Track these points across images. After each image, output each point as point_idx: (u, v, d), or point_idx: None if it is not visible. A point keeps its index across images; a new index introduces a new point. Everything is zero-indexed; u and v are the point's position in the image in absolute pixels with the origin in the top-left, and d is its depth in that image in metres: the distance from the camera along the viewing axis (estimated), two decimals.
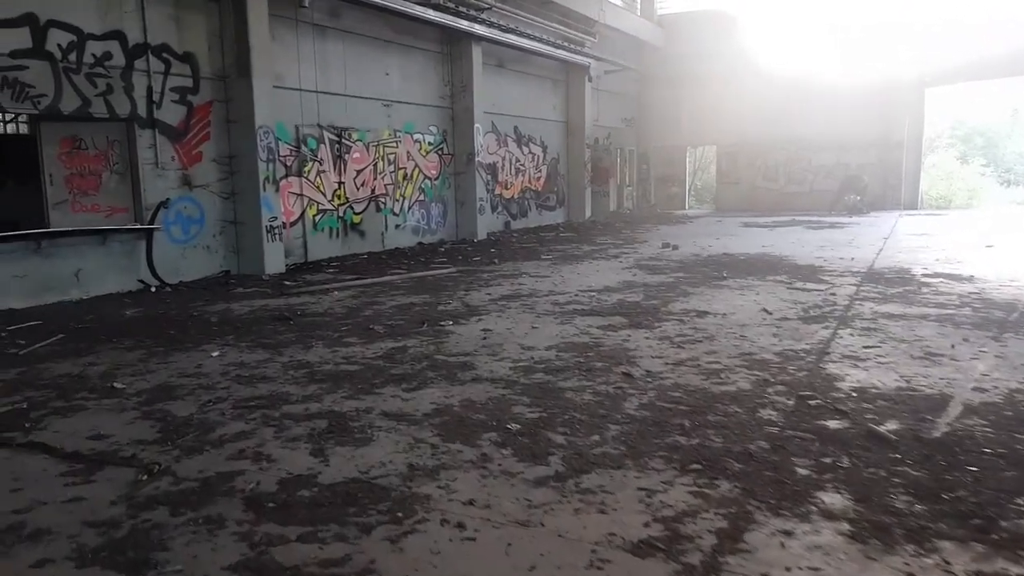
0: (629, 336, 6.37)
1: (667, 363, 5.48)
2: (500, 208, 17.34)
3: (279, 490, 3.42)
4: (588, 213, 20.18)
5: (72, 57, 8.98)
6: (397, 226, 14.19)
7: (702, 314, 7.24)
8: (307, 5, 11.17)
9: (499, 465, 3.65)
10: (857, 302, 7.76)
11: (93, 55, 9.20)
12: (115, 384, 5.31)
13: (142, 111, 9.76)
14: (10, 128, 13.32)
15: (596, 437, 3.99)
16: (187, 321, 7.60)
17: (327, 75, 12.49)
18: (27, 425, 4.47)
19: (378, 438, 4.09)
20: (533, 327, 6.88)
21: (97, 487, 3.54)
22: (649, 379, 5.07)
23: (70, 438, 4.24)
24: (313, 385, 5.18)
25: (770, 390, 4.77)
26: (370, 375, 5.39)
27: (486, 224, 15.96)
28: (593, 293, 8.64)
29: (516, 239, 15.86)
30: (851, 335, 6.27)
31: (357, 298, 8.75)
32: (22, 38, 8.49)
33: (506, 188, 17.46)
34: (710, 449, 3.77)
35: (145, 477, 3.63)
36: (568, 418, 4.30)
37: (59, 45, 8.83)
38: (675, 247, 13.04)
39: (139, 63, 9.70)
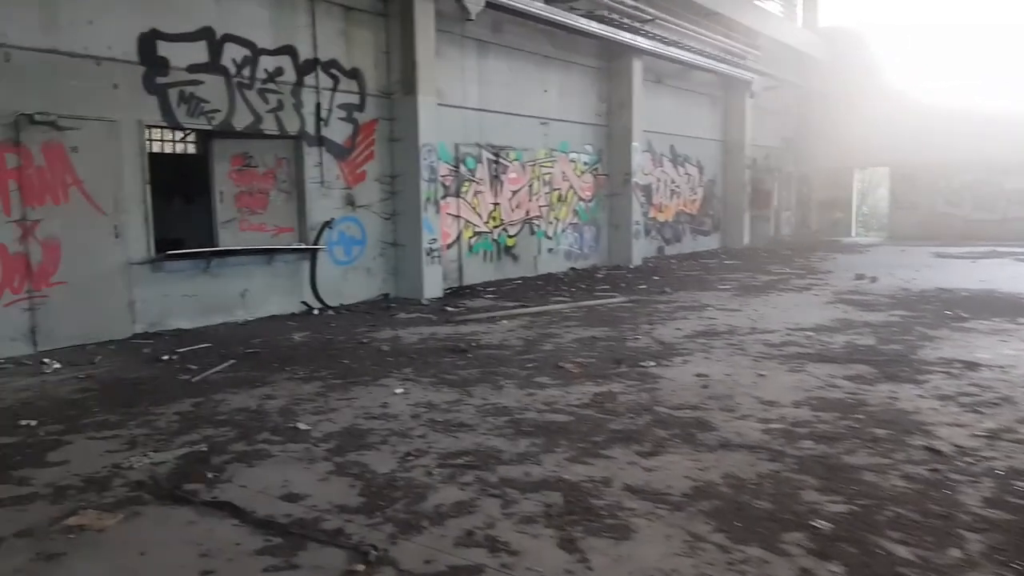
0: (895, 393, 5.15)
1: (975, 434, 4.25)
2: (653, 232, 16.25)
3: None
4: (746, 239, 18.69)
5: (246, 72, 8.78)
6: (550, 250, 13.40)
7: (971, 366, 5.88)
8: (474, 19, 10.64)
9: None
10: None
11: (266, 70, 8.99)
12: (298, 425, 4.68)
13: (310, 128, 9.47)
14: (179, 146, 13.61)
15: (956, 552, 2.87)
16: (358, 349, 7.03)
17: (487, 92, 11.94)
18: (210, 476, 3.85)
19: (639, 529, 3.15)
20: (759, 374, 5.78)
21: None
22: (968, 459, 3.87)
23: (260, 497, 3.57)
24: (522, 439, 4.33)
25: None
26: (586, 429, 4.48)
27: (640, 249, 14.90)
28: (808, 332, 7.41)
29: (675, 265, 14.70)
30: None
31: (529, 329, 7.94)
32: (199, 52, 8.34)
33: (660, 211, 16.36)
34: None
35: (362, 568, 2.85)
36: (893, 516, 3.20)
37: (233, 60, 8.65)
38: (872, 279, 11.49)
39: (308, 79, 9.43)
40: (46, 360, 6.61)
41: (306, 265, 9.50)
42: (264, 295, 9.06)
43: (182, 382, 5.88)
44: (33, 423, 4.78)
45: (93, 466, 4.00)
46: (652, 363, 6.19)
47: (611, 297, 10.09)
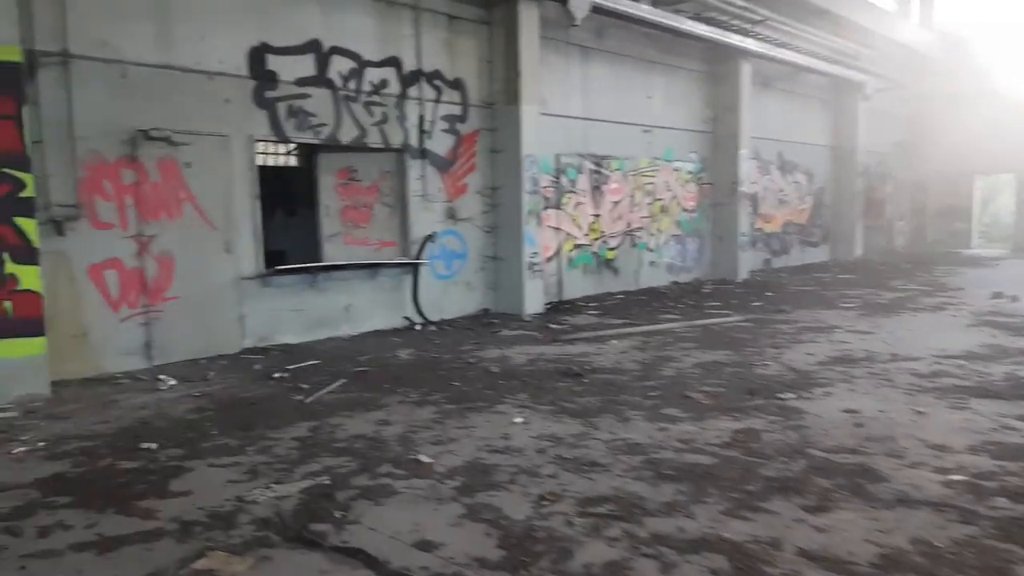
0: None
1: None
2: (759, 244, 15.47)
3: None
4: (858, 251, 17.61)
5: (351, 85, 8.71)
6: (652, 263, 12.88)
7: None
8: (579, 24, 10.29)
9: None
10: None
11: (371, 83, 8.90)
12: (420, 457, 4.42)
13: (413, 140, 9.34)
14: (279, 159, 13.81)
15: None
16: (466, 370, 6.77)
17: (589, 100, 11.57)
18: (337, 515, 3.62)
19: None
20: (917, 411, 5.17)
21: None
22: None
23: (392, 544, 3.30)
24: (665, 484, 3.93)
25: None
26: (735, 475, 4.04)
27: (747, 262, 14.17)
28: (959, 360, 6.69)
29: (786, 280, 13.90)
30: None
31: (643, 350, 7.51)
32: (306, 66, 8.31)
33: (767, 221, 15.57)
34: None
35: None
36: None
37: (340, 72, 8.59)
38: (1014, 298, 10.47)
39: (412, 90, 9.30)
40: (161, 376, 6.63)
41: (408, 279, 9.36)
42: (368, 310, 8.95)
43: (296, 403, 5.75)
44: (153, 446, 4.70)
45: (217, 498, 3.84)
46: (791, 395, 5.65)
47: (725, 316, 9.52)
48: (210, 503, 3.78)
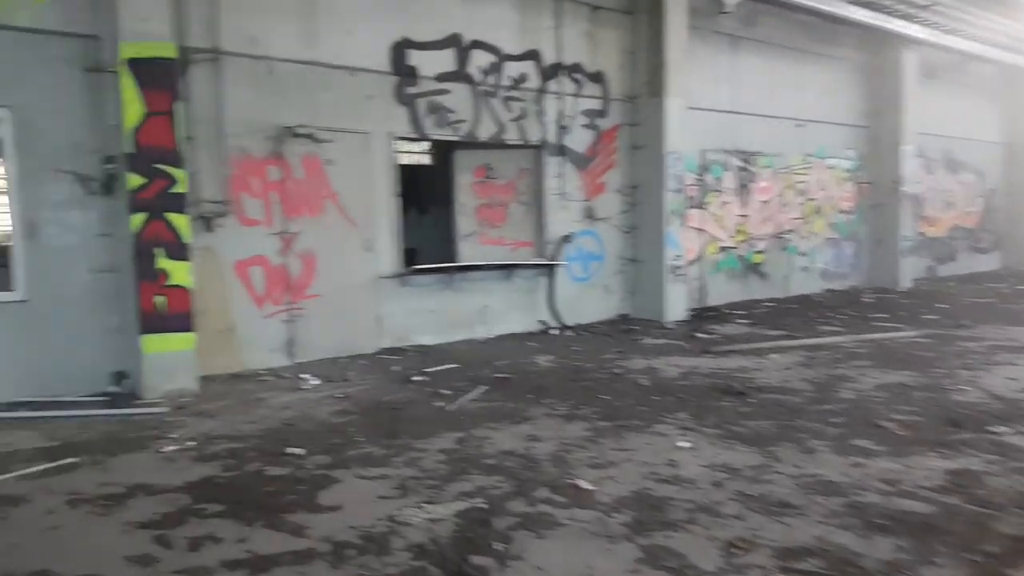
0: None
1: None
2: (922, 249, 14.04)
3: None
4: None
5: (491, 79, 8.41)
6: (804, 268, 11.90)
7: None
8: (730, 11, 9.56)
9: None
10: None
11: (510, 77, 8.57)
12: (579, 482, 3.98)
13: (551, 136, 8.95)
14: (411, 157, 13.79)
15: None
16: (613, 382, 6.29)
17: (737, 92, 10.79)
18: (499, 547, 3.23)
19: None
20: None
21: None
22: None
23: None
24: (878, 536, 3.28)
25: None
26: (964, 530, 3.34)
27: (908, 269, 12.86)
28: None
29: (955, 289, 12.50)
30: None
31: (809, 367, 6.75)
32: (446, 60, 8.08)
33: (931, 225, 14.13)
34: None
35: None
36: None
37: (479, 67, 8.32)
38: None
39: (551, 84, 8.91)
40: (303, 375, 6.56)
41: (543, 281, 8.97)
42: (502, 312, 8.64)
43: (438, 409, 5.47)
44: (300, 452, 4.51)
45: (368, 517, 3.55)
46: (1005, 428, 4.80)
47: (897, 330, 8.52)
48: (362, 522, 3.50)
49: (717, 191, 10.63)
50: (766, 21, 10.90)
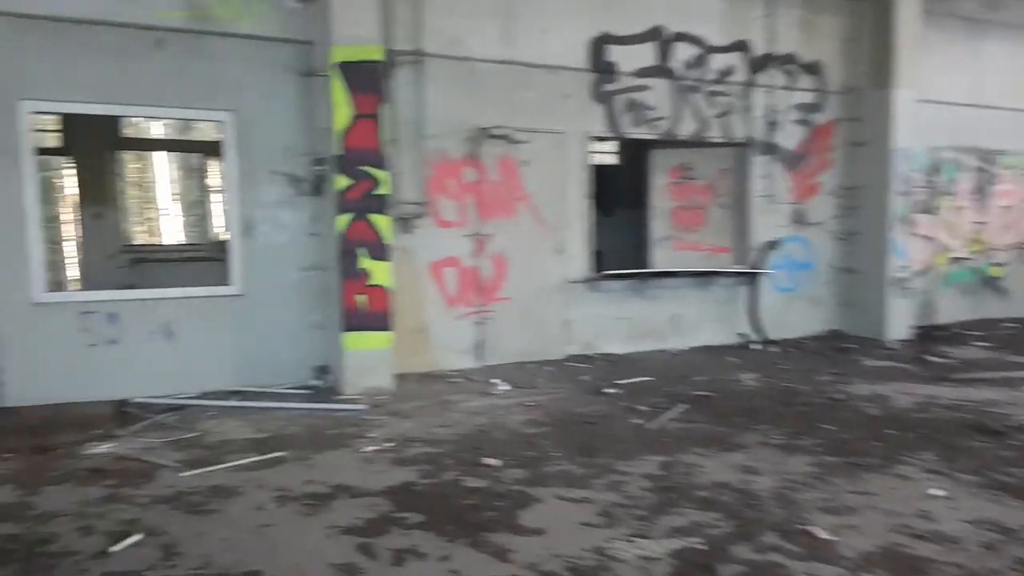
0: None
1: None
2: None
3: None
4: None
5: (693, 73, 7.86)
6: None
7: None
8: None
9: None
10: None
11: (715, 70, 7.97)
12: (813, 529, 3.41)
13: (758, 133, 8.22)
14: (601, 157, 13.42)
15: None
16: (835, 409, 5.55)
17: (977, 82, 9.40)
18: None
19: None
20: None
21: None
22: None
23: None
24: None
25: None
26: None
27: None
28: None
29: None
30: None
31: None
32: (646, 55, 7.64)
33: None
34: None
35: None
36: None
37: (681, 60, 7.79)
38: None
39: (760, 77, 8.18)
40: (493, 380, 6.42)
41: (743, 291, 8.27)
42: (696, 322, 8.05)
43: (635, 427, 5.07)
44: (496, 463, 4.30)
45: (573, 545, 3.24)
46: None
47: None
48: (567, 551, 3.19)
49: (950, 194, 9.31)
50: (1013, 4, 9.39)
